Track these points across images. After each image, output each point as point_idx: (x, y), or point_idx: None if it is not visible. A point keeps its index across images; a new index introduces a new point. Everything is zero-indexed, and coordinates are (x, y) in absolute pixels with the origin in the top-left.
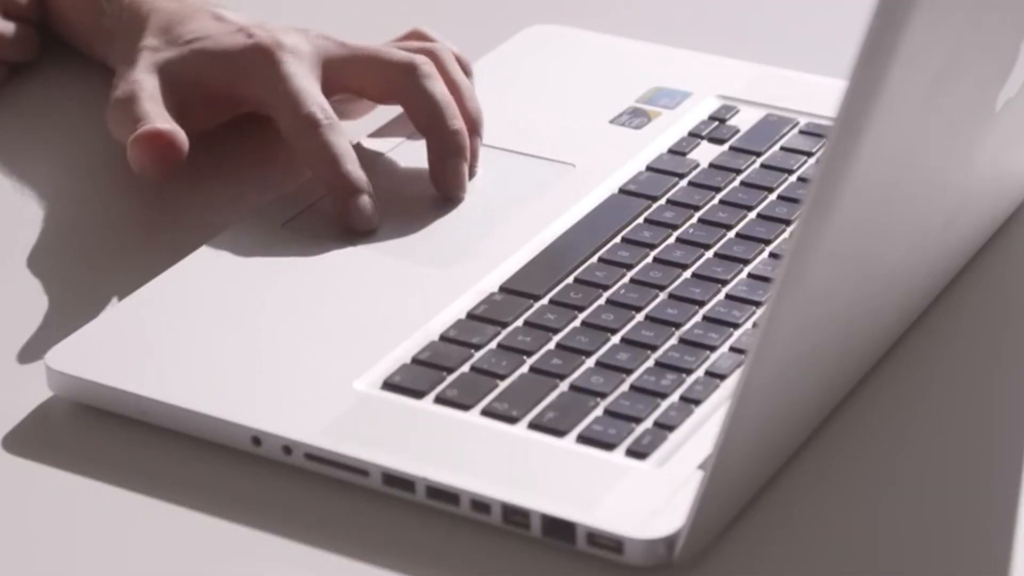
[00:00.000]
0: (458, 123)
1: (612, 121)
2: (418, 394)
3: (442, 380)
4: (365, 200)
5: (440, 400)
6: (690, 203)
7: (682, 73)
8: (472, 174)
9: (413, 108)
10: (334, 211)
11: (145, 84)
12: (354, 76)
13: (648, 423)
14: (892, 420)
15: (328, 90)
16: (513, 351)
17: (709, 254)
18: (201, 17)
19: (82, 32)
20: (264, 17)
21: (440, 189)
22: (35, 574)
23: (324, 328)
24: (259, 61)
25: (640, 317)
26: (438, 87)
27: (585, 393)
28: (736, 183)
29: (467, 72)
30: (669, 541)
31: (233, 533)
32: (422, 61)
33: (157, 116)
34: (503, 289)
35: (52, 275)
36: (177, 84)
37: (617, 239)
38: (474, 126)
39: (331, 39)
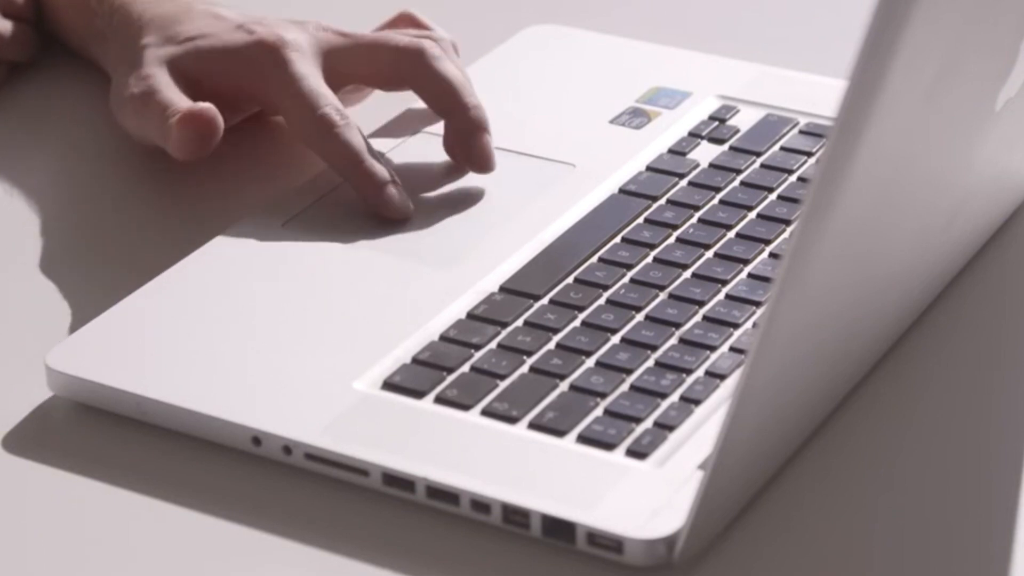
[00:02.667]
0: (476, 98)
1: (612, 121)
2: (418, 394)
3: (442, 380)
4: (393, 191)
5: (440, 400)
6: (690, 203)
7: (682, 73)
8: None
9: (428, 91)
10: (366, 207)
11: (160, 77)
12: (360, 65)
13: (648, 423)
14: (892, 420)
15: (333, 82)
16: (513, 351)
17: (709, 254)
18: (197, 15)
19: (75, 33)
20: (260, 12)
21: (471, 166)
22: (35, 574)
23: (324, 328)
24: (265, 61)
25: (640, 317)
26: (450, 67)
27: (585, 393)
28: (736, 183)
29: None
30: (669, 541)
31: (233, 533)
32: (429, 44)
33: (186, 101)
34: (503, 289)
35: (52, 275)
36: (184, 79)
37: (617, 239)
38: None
39: (330, 29)
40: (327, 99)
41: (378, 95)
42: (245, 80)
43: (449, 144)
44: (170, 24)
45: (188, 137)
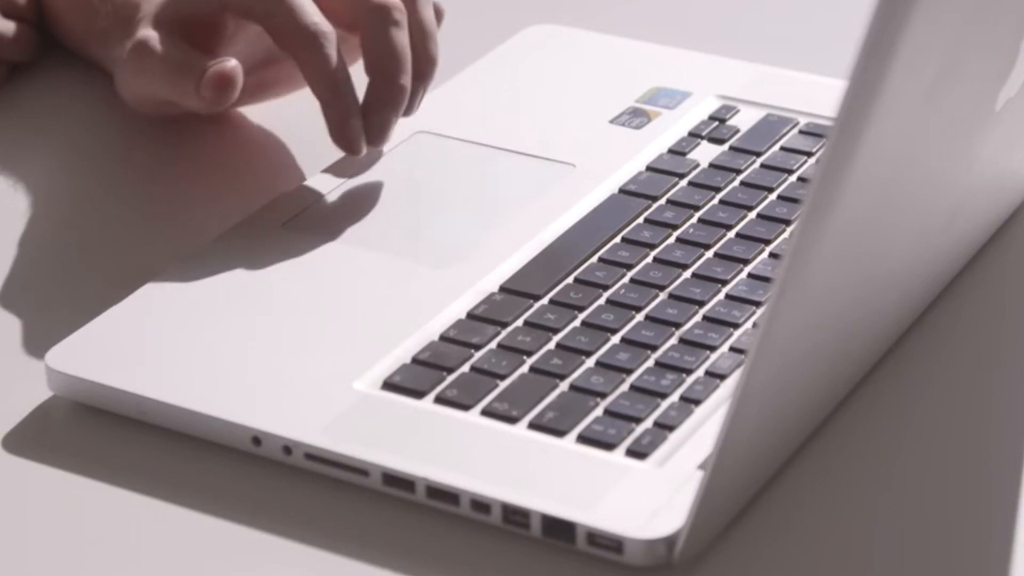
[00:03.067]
0: (406, 80)
1: (612, 121)
2: (418, 394)
3: (442, 380)
4: (357, 124)
5: (440, 400)
6: (690, 203)
7: (682, 73)
8: (408, 114)
9: (368, 50)
10: (327, 127)
11: (149, 34)
12: (328, 6)
13: (648, 423)
14: (892, 420)
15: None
16: (513, 351)
17: (709, 254)
18: None
19: (76, 34)
20: None
21: (365, 135)
22: (35, 574)
23: (324, 328)
24: None
25: (640, 317)
26: (400, 37)
27: (585, 393)
28: (736, 183)
29: (439, 15)
30: (669, 541)
31: (233, 533)
32: (395, 7)
33: (181, 50)
34: (503, 289)
35: (52, 275)
36: (172, 27)
37: (617, 239)
38: (424, 72)
39: None
40: (313, 9)
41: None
42: (231, 5)
43: (362, 105)
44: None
45: (217, 94)
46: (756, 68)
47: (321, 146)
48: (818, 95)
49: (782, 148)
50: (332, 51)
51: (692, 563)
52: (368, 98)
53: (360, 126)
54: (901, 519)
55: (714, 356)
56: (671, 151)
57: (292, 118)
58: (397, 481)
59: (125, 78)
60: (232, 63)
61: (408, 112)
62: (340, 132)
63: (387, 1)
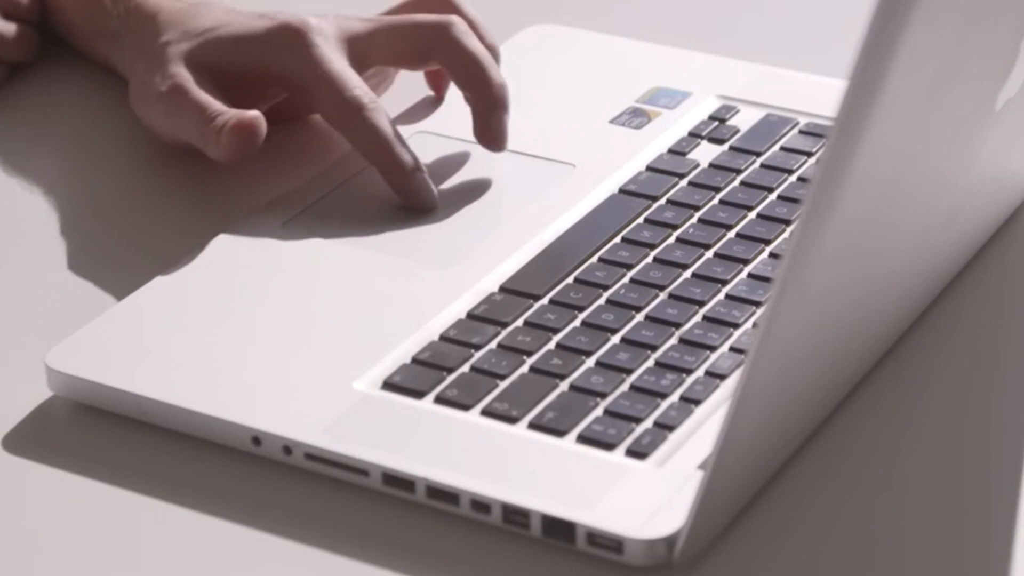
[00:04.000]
0: (500, 77)
1: (612, 121)
2: (418, 394)
3: (442, 380)
4: (423, 177)
5: (440, 400)
6: (690, 203)
7: (682, 73)
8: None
9: (454, 64)
10: (395, 192)
11: (185, 74)
12: (385, 46)
13: (648, 423)
14: (892, 420)
15: (359, 68)
16: (513, 351)
17: (709, 254)
18: (212, 11)
19: (85, 33)
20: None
21: (486, 143)
22: (35, 574)
23: (324, 328)
24: (292, 42)
25: (640, 317)
26: (475, 43)
27: (585, 393)
28: (736, 183)
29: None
30: (669, 541)
31: (233, 533)
32: (455, 19)
33: (219, 104)
34: (503, 289)
35: (52, 275)
36: (208, 70)
37: (617, 239)
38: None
39: (350, 18)
40: (354, 81)
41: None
42: (271, 64)
43: (472, 117)
44: (188, 20)
45: (235, 145)
46: (756, 68)
47: (321, 146)
48: (818, 95)
49: (782, 148)
50: (377, 118)
51: (692, 563)
52: (474, 110)
53: (423, 178)
54: (901, 519)
55: (714, 356)
56: (671, 151)
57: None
58: (397, 481)
59: (154, 113)
60: (254, 114)
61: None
62: (405, 192)
63: (443, 17)
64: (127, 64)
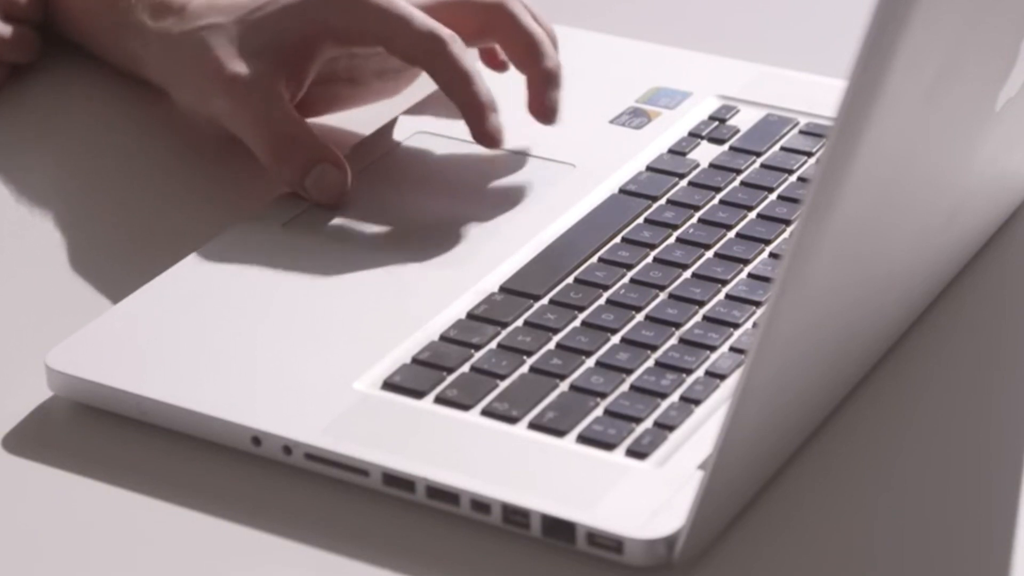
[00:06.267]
0: (553, 55)
1: (612, 121)
2: (418, 394)
3: (442, 380)
4: (495, 119)
5: (440, 400)
6: (690, 203)
7: (682, 73)
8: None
9: (512, 43)
10: (469, 127)
11: (248, 76)
12: (444, 20)
13: (648, 423)
14: (892, 420)
15: None
16: (513, 351)
17: (709, 254)
18: None
19: (96, 30)
20: None
21: (540, 117)
22: (35, 574)
23: (324, 328)
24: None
25: (640, 317)
26: (530, 22)
27: (585, 393)
28: (736, 183)
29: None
30: (669, 541)
31: (233, 533)
32: (511, 0)
33: (295, 122)
34: (503, 289)
35: (52, 275)
36: (269, 59)
37: (617, 239)
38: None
39: None
40: (425, 17)
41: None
42: (330, 20)
43: (527, 93)
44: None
45: (325, 193)
46: (756, 68)
47: None
48: (818, 95)
49: (782, 148)
50: (457, 50)
51: (692, 563)
52: (531, 87)
53: (499, 121)
54: (901, 519)
55: (714, 356)
56: (671, 151)
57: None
58: (397, 481)
59: (212, 114)
60: (343, 165)
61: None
62: (480, 129)
63: None
64: (157, 54)
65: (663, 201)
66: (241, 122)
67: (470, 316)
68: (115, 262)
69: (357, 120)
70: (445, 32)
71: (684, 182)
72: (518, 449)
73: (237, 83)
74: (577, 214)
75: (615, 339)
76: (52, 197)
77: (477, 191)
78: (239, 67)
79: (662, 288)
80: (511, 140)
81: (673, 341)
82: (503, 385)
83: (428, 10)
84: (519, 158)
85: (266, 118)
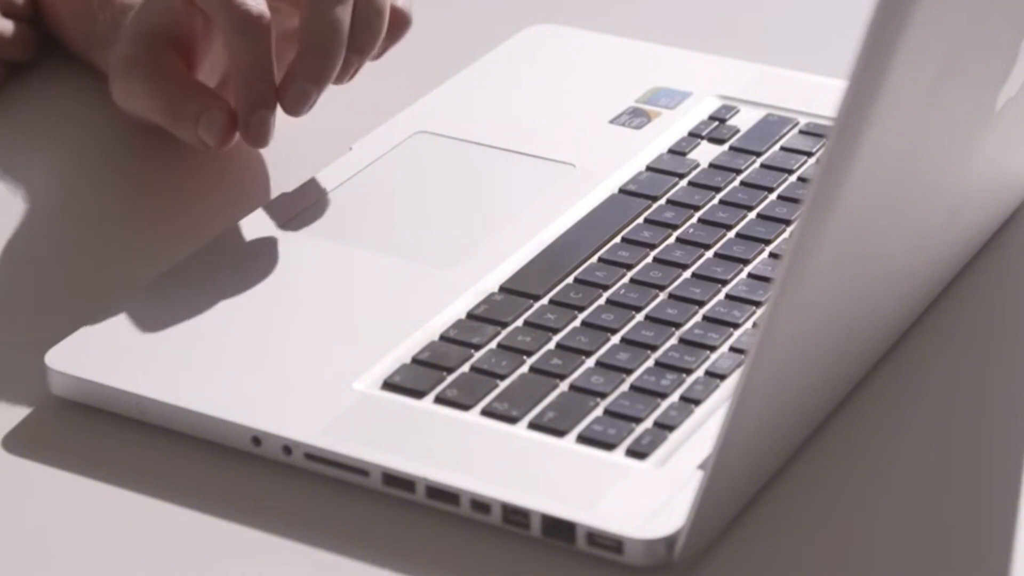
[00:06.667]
0: (334, 53)
1: (612, 121)
2: (418, 394)
3: (442, 380)
4: (264, 117)
5: (440, 400)
6: (690, 203)
7: (682, 73)
8: (339, 82)
9: (302, 22)
10: (239, 120)
11: (130, 54)
12: None
13: (648, 423)
14: (892, 420)
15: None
16: (513, 351)
17: (709, 254)
18: None
19: (74, 36)
20: None
21: (282, 101)
22: (35, 574)
23: (324, 328)
24: None
25: (640, 317)
26: (338, 12)
27: (585, 393)
28: (736, 183)
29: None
30: (669, 541)
31: (233, 533)
32: None
33: (178, 78)
34: (503, 289)
35: (52, 275)
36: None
37: (617, 239)
38: (364, 45)
39: None
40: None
41: (374, 98)
42: (180, 9)
43: (285, 73)
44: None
45: (216, 141)
46: (756, 68)
47: (321, 146)
48: (818, 95)
49: (782, 148)
50: (257, 36)
51: (692, 563)
52: (291, 67)
53: (269, 120)
54: (901, 519)
55: (714, 356)
56: (671, 151)
57: (292, 117)
58: (397, 481)
59: (117, 97)
60: (230, 110)
61: (339, 81)
62: (244, 122)
63: None
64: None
65: (663, 201)
66: (141, 98)
67: (470, 316)
68: (115, 262)
69: (357, 120)
70: (255, 12)
71: (684, 182)
72: (518, 449)
73: (126, 63)
74: (577, 214)
75: (615, 339)
76: (51, 196)
77: (477, 191)
78: (126, 51)
79: (662, 288)
80: (511, 140)
81: (673, 341)
82: (503, 385)
83: None
84: (519, 158)
85: (156, 86)
